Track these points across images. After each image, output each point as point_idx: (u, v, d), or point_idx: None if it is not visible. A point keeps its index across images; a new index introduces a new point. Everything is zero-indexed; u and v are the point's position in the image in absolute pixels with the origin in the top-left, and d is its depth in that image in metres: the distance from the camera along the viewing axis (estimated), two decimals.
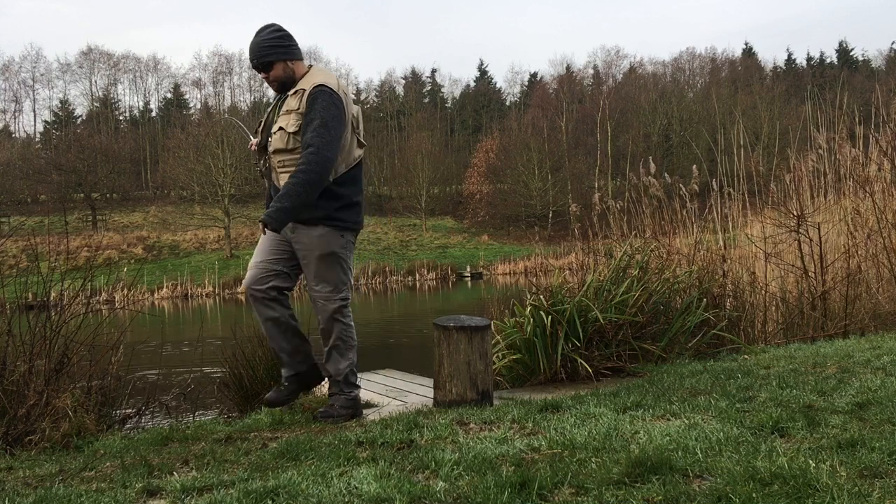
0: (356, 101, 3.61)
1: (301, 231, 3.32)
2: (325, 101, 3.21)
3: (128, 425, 3.77)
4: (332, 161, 3.19)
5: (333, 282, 3.35)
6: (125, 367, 3.94)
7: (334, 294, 3.35)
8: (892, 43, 73.73)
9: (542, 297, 4.18)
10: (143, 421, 3.91)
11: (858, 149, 6.46)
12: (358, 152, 3.43)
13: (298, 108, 3.26)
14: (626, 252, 4.75)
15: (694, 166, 6.03)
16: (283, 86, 3.38)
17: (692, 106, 59.00)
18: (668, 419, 2.67)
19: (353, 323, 3.44)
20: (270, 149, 3.36)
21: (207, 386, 5.23)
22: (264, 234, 3.28)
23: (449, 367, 3.42)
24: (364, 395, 4.49)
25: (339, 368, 3.40)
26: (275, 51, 3.33)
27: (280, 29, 3.39)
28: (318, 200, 3.26)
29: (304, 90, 3.26)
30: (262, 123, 3.50)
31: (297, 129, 3.25)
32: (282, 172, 3.32)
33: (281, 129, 3.30)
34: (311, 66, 3.45)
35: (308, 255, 3.34)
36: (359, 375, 3.56)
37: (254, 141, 3.52)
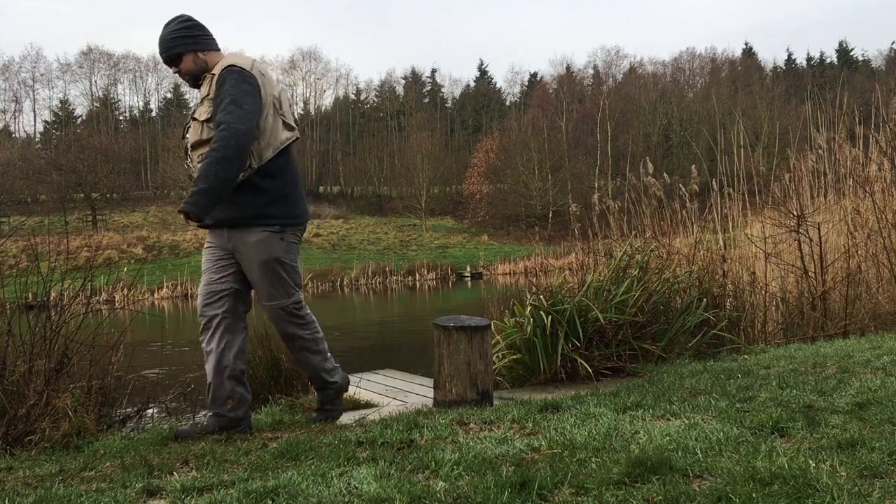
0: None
1: (236, 238, 3.07)
2: (235, 79, 2.97)
3: (128, 425, 3.77)
4: (246, 134, 2.90)
5: (282, 289, 3.12)
6: (125, 367, 3.94)
7: (285, 300, 3.13)
8: (892, 43, 73.79)
9: (542, 297, 4.18)
10: (143, 421, 3.91)
11: (858, 149, 6.46)
12: (285, 135, 3.13)
13: (208, 94, 3.02)
14: (626, 252, 4.75)
15: (693, 166, 6.03)
16: (196, 79, 3.16)
17: (692, 106, 59.00)
18: (668, 419, 2.67)
19: (312, 317, 3.23)
20: (188, 144, 3.13)
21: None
22: (188, 224, 3.05)
23: (449, 367, 3.42)
24: (364, 395, 4.50)
25: (314, 365, 3.26)
26: (182, 41, 3.11)
27: (189, 19, 3.18)
28: (245, 196, 2.99)
29: (214, 74, 3.04)
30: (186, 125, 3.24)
31: (208, 115, 3.01)
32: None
33: (194, 119, 3.08)
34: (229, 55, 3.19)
35: (249, 265, 3.08)
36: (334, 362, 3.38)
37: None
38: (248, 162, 2.98)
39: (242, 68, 3.02)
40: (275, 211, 3.06)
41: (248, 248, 3.05)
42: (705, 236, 5.83)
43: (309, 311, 3.24)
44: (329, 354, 3.32)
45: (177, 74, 3.20)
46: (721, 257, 5.49)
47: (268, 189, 3.04)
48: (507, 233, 52.23)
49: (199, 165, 2.95)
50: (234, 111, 2.90)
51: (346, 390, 3.43)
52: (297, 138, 3.25)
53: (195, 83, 3.19)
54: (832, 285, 5.47)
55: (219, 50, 3.22)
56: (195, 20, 3.21)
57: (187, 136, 3.14)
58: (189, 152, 3.12)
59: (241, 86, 2.97)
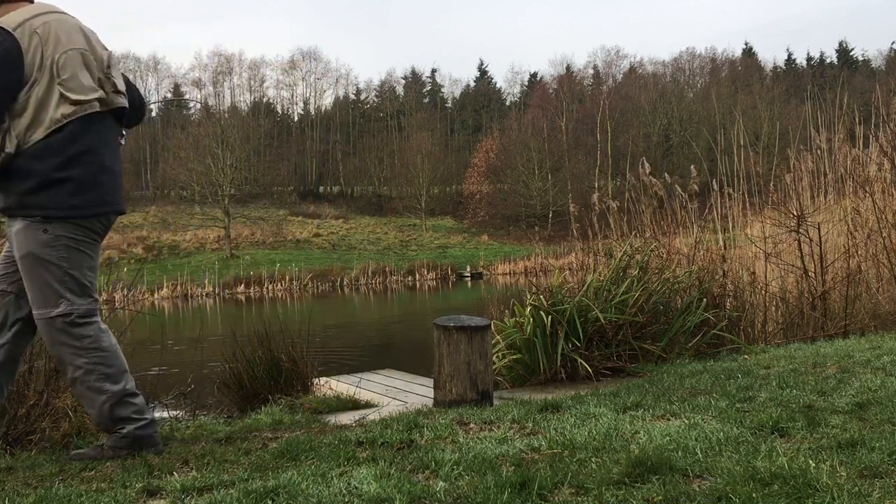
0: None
1: (6, 229, 2.62)
2: None
3: None
4: None
5: (43, 293, 2.54)
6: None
7: (49, 309, 2.55)
8: (892, 43, 73.74)
9: (542, 297, 4.18)
10: None
11: (858, 149, 6.46)
12: (63, 110, 2.53)
13: None
14: (626, 252, 4.75)
15: (693, 166, 6.04)
16: None
17: (692, 106, 59.01)
18: (668, 419, 2.67)
19: (100, 342, 2.59)
20: None
21: (207, 386, 5.22)
22: None
23: (449, 367, 3.42)
24: (364, 395, 4.49)
25: (95, 406, 2.59)
26: None
27: None
28: (8, 182, 2.52)
29: None
30: None
31: None
32: None
33: None
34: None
35: (17, 261, 2.59)
36: (146, 406, 2.74)
37: None
38: None
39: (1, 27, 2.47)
40: (40, 200, 2.50)
41: (12, 239, 2.58)
42: (705, 236, 5.83)
43: (96, 333, 2.60)
44: (132, 397, 2.63)
45: None
46: (721, 257, 5.49)
47: (35, 172, 2.50)
48: (507, 233, 52.24)
49: None
50: None
51: (145, 449, 2.61)
52: (98, 111, 2.63)
53: None
54: (832, 285, 5.47)
55: (9, 2, 2.61)
56: None
57: None
58: None
59: None
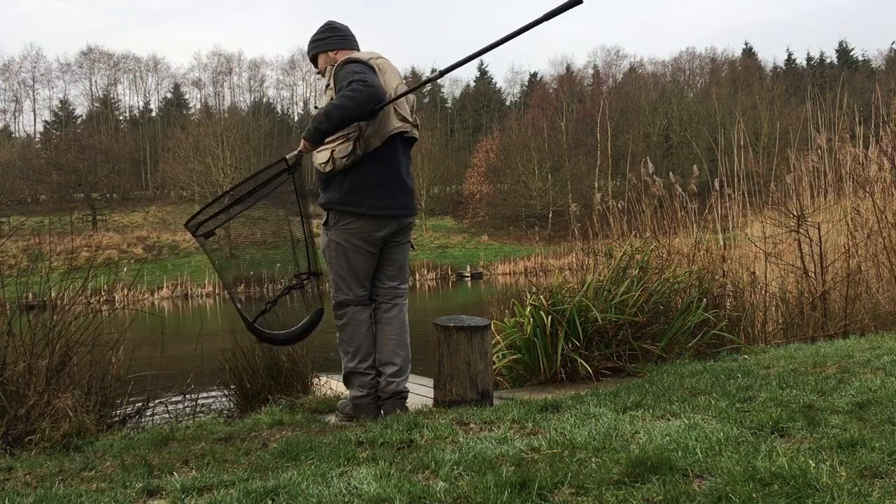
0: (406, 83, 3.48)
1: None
2: (352, 67, 3.15)
3: (128, 425, 3.77)
4: (375, 89, 3.02)
5: (332, 278, 3.32)
6: (125, 367, 3.94)
7: (335, 294, 3.34)
8: (892, 43, 73.69)
9: (542, 297, 4.18)
10: (143, 421, 3.91)
11: (858, 149, 6.46)
12: (396, 124, 3.25)
13: (329, 84, 3.25)
14: (626, 252, 4.75)
15: (695, 166, 6.04)
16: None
17: (692, 106, 58.98)
18: (668, 419, 2.67)
19: (352, 325, 3.33)
20: None
21: (207, 386, 5.22)
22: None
23: (449, 367, 3.42)
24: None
25: (343, 367, 3.40)
26: (314, 45, 3.46)
27: (326, 24, 3.49)
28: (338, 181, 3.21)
29: (332, 66, 3.27)
30: None
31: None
32: (320, 151, 3.24)
33: (316, 108, 3.29)
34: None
35: None
36: (366, 379, 3.36)
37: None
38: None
39: (357, 60, 3.20)
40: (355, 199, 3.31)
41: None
42: (705, 236, 5.83)
43: (351, 317, 3.32)
44: (360, 371, 3.35)
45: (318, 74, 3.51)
46: (721, 257, 5.49)
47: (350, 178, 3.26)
48: (507, 233, 52.23)
49: (321, 157, 3.21)
50: (358, 76, 3.05)
51: (358, 417, 3.33)
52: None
53: None
54: (832, 285, 5.47)
55: (347, 49, 3.42)
56: (332, 24, 3.50)
57: None
58: None
59: (360, 67, 3.14)
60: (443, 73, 3.17)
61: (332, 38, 3.44)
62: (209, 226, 3.34)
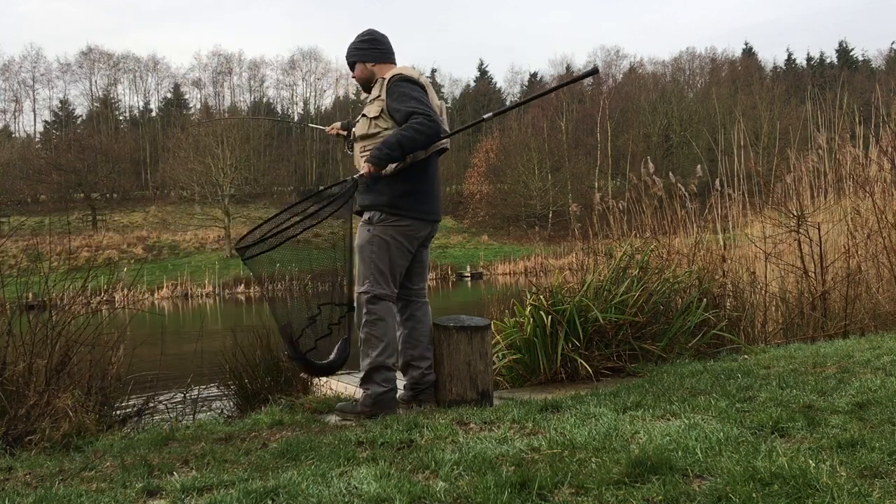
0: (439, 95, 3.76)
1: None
2: (408, 88, 3.37)
3: (128, 425, 3.77)
4: (438, 126, 3.32)
5: (369, 273, 3.42)
6: (125, 367, 3.94)
7: (370, 288, 3.40)
8: (892, 43, 73.62)
9: (542, 297, 4.18)
10: (143, 421, 3.91)
11: (858, 149, 6.46)
12: (440, 141, 3.49)
13: (379, 95, 3.44)
14: (626, 252, 4.75)
15: (699, 166, 6.03)
16: (365, 85, 3.64)
17: (692, 106, 58.93)
18: (668, 419, 2.67)
19: (386, 320, 3.40)
20: (354, 136, 3.60)
21: (207, 386, 5.22)
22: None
23: (449, 367, 3.42)
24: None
25: (363, 363, 3.43)
26: (355, 53, 3.63)
27: (367, 33, 3.65)
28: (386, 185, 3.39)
29: (384, 79, 3.46)
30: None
31: (377, 114, 3.43)
32: (363, 157, 3.42)
33: (363, 115, 3.51)
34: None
35: None
36: (391, 374, 3.43)
37: (336, 125, 3.95)
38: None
39: (409, 77, 3.43)
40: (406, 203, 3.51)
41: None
42: (705, 236, 5.83)
43: (381, 310, 3.40)
44: (384, 367, 3.40)
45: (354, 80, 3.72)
46: (721, 257, 5.49)
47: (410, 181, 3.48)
48: (507, 233, 52.22)
49: (364, 156, 3.39)
50: (419, 108, 3.31)
51: (382, 413, 3.36)
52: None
53: (365, 88, 3.66)
54: (832, 285, 5.47)
55: (386, 62, 3.63)
56: (373, 35, 3.65)
57: (354, 129, 3.60)
58: (353, 145, 3.61)
59: (415, 88, 3.40)
60: (496, 115, 3.65)
61: (371, 51, 3.61)
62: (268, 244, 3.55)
